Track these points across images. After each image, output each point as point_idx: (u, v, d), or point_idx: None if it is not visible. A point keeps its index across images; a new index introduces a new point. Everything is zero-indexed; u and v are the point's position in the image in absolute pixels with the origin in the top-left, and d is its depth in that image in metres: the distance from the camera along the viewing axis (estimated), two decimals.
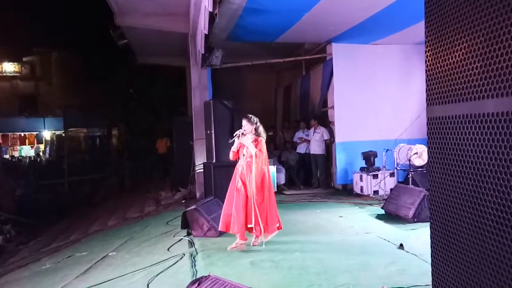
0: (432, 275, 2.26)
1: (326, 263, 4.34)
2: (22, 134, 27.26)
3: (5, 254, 8.92)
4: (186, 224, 5.86)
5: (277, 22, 7.66)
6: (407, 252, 4.57)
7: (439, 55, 2.07)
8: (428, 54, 2.15)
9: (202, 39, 7.71)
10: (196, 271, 4.19)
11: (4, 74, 28.54)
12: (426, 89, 2.19)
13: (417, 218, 5.79)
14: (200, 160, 9.12)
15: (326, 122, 9.82)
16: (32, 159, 23.56)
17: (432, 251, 2.25)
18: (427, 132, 2.21)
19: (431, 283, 3.55)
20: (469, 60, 1.83)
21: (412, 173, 7.95)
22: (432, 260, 2.26)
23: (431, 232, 2.25)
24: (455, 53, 1.93)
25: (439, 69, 2.07)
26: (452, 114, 1.97)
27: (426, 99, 2.19)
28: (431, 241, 2.25)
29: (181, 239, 5.63)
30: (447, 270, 2.10)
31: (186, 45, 9.99)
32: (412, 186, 7.35)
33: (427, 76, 2.18)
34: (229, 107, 8.24)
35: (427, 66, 2.17)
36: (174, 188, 10.41)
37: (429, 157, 2.21)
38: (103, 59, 23.38)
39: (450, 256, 2.07)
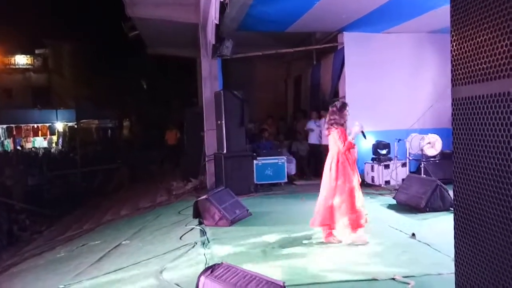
0: (456, 265, 2.22)
1: (337, 252, 4.35)
2: (35, 125, 27.55)
3: (20, 243, 9.11)
4: (198, 214, 5.90)
5: (288, 11, 7.59)
6: (419, 241, 4.55)
7: (465, 35, 2.03)
8: (454, 34, 2.11)
9: (212, 29, 7.68)
10: (208, 260, 4.23)
11: (17, 67, 28.84)
12: (452, 70, 2.15)
13: (429, 208, 5.76)
14: (211, 150, 9.15)
15: None
16: (44, 150, 23.85)
17: (455, 236, 2.22)
18: (452, 114, 2.15)
19: (443, 272, 3.55)
20: (497, 39, 1.79)
21: (424, 163, 7.88)
22: (455, 247, 2.22)
23: (454, 217, 2.21)
24: (482, 32, 1.89)
25: (465, 48, 2.03)
26: (479, 94, 1.93)
27: (451, 79, 2.15)
28: (455, 226, 2.21)
29: (193, 228, 5.68)
30: (471, 259, 2.06)
31: (197, 36, 9.96)
32: (424, 176, 7.29)
33: (452, 56, 2.14)
34: (239, 97, 8.24)
35: (452, 47, 2.13)
36: (185, 178, 10.47)
37: (454, 139, 2.16)
38: (114, 50, 23.50)
39: (474, 242, 2.03)
